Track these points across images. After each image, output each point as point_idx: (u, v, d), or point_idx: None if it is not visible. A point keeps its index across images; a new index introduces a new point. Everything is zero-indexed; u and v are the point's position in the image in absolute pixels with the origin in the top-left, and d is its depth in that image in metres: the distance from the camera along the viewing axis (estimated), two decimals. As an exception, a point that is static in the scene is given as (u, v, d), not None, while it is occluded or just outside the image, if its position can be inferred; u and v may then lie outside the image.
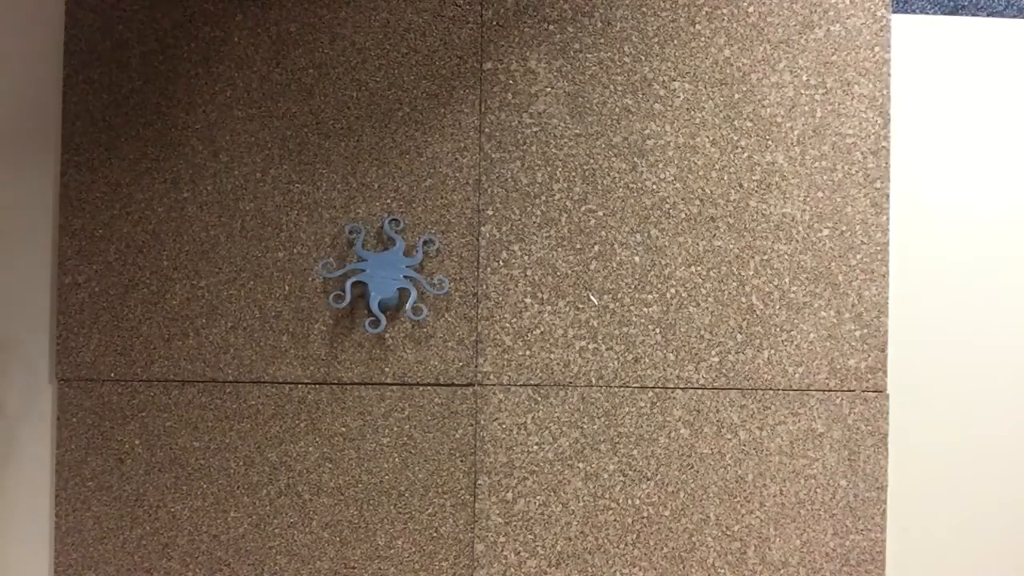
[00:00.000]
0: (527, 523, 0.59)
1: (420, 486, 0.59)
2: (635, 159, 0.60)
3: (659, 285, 0.60)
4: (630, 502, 0.59)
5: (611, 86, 0.60)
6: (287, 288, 0.59)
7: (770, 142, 0.60)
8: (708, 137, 0.60)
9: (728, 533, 0.59)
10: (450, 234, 0.59)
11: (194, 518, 0.59)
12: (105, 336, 0.59)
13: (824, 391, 0.59)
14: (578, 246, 0.60)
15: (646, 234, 0.60)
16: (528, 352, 0.59)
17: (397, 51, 0.60)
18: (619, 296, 0.59)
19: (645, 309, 0.59)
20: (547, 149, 0.60)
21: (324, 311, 0.59)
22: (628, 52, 0.60)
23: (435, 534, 0.59)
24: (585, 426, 0.59)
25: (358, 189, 0.59)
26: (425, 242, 0.59)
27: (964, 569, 0.60)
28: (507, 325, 0.59)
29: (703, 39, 0.60)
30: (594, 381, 0.59)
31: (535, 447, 0.59)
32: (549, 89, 0.60)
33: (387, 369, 0.59)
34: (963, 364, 0.60)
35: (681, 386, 0.59)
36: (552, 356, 0.59)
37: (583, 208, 0.60)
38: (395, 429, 0.59)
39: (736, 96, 0.60)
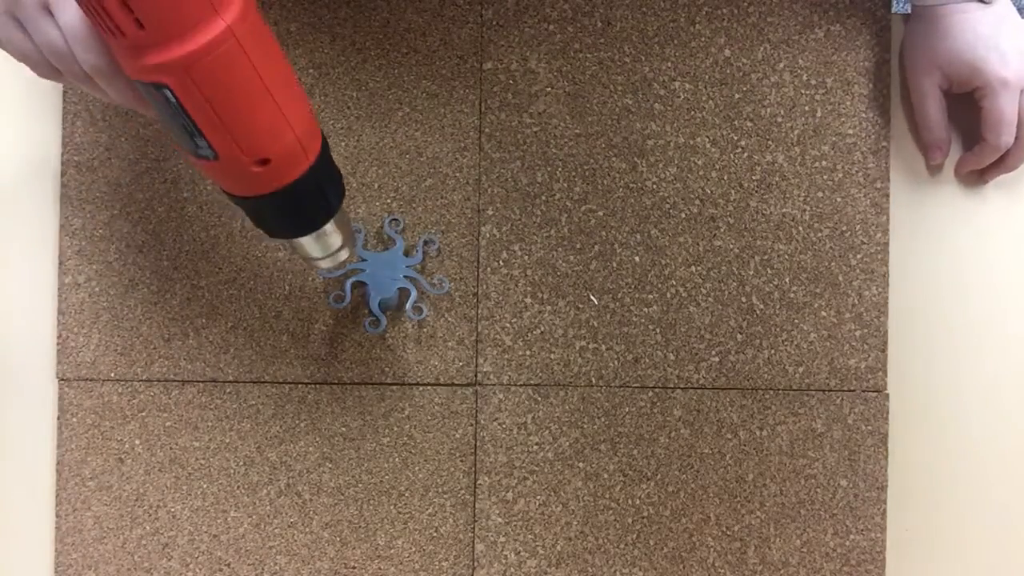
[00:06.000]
0: (527, 523, 0.59)
1: (420, 486, 0.59)
2: (635, 159, 0.60)
3: (659, 285, 0.60)
4: (630, 502, 0.59)
5: (611, 86, 0.60)
6: (287, 288, 0.59)
7: (770, 142, 0.60)
8: (708, 137, 0.60)
9: (728, 533, 0.59)
10: (450, 234, 0.59)
11: (194, 518, 0.59)
12: (105, 336, 0.59)
13: (824, 391, 0.59)
14: (578, 246, 0.60)
15: (646, 234, 0.60)
16: (528, 352, 0.59)
17: (397, 51, 0.60)
18: (619, 296, 0.59)
19: (645, 309, 0.59)
20: (547, 149, 0.60)
21: (324, 311, 0.59)
22: (628, 52, 0.60)
23: (435, 534, 0.59)
24: (585, 426, 0.59)
25: (358, 189, 0.59)
26: (425, 242, 0.59)
27: (964, 569, 0.60)
28: (507, 325, 0.59)
29: (703, 39, 0.60)
30: (594, 381, 0.59)
31: (535, 447, 0.59)
32: (549, 89, 0.60)
33: (387, 369, 0.59)
34: (963, 364, 0.60)
35: (681, 386, 0.59)
36: (552, 356, 0.59)
37: (583, 208, 0.60)
38: (395, 429, 0.59)
39: (736, 96, 0.60)
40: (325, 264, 0.45)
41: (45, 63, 0.40)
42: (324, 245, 0.44)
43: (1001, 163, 0.58)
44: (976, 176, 0.60)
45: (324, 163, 0.41)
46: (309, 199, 0.41)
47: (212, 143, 0.36)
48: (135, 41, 0.33)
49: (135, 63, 0.34)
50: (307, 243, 0.43)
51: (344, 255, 0.46)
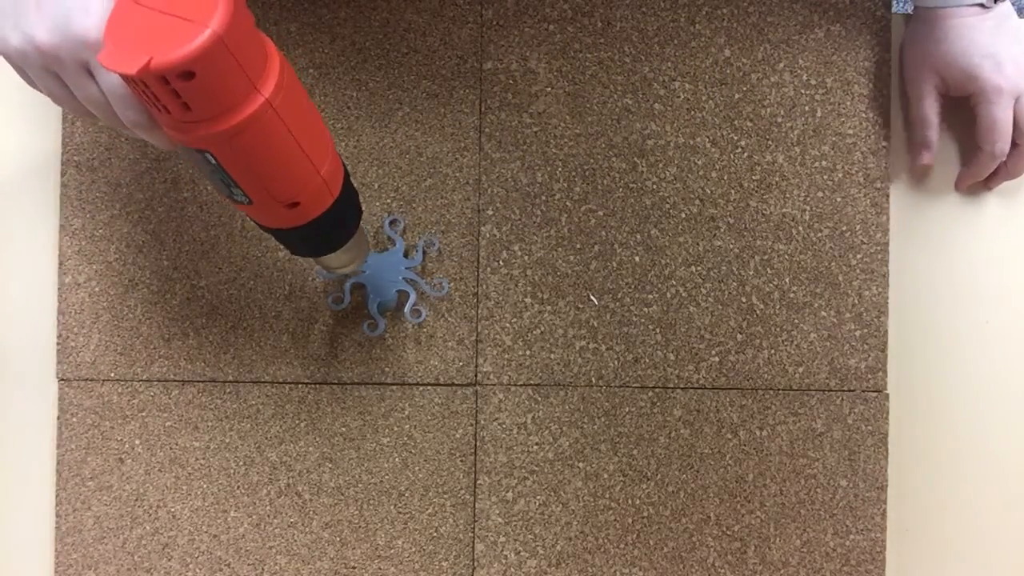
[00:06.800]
0: (527, 523, 0.59)
1: (420, 486, 0.59)
2: (635, 159, 0.60)
3: (659, 285, 0.60)
4: (630, 502, 0.59)
5: (611, 86, 0.60)
6: (287, 288, 0.59)
7: (770, 142, 0.60)
8: (708, 137, 0.60)
9: (728, 533, 0.59)
10: (450, 234, 0.59)
11: (194, 518, 0.59)
12: (105, 336, 0.59)
13: (824, 391, 0.59)
14: (578, 246, 0.60)
15: (646, 234, 0.60)
16: (528, 352, 0.59)
17: (397, 51, 0.60)
18: (619, 296, 0.59)
19: (645, 309, 0.59)
20: (547, 149, 0.60)
21: (324, 311, 0.59)
22: (628, 52, 0.60)
23: (435, 534, 0.59)
24: (585, 426, 0.59)
25: (358, 189, 0.59)
26: (425, 243, 0.59)
27: (964, 569, 0.60)
28: (507, 325, 0.59)
29: (703, 39, 0.60)
30: (594, 381, 0.59)
31: (535, 447, 0.59)
32: (549, 89, 0.60)
33: (387, 369, 0.59)
34: (963, 364, 0.60)
35: (681, 386, 0.59)
36: (552, 356, 0.59)
37: (583, 208, 0.60)
38: (395, 429, 0.59)
39: (736, 96, 0.60)
40: (344, 271, 0.51)
41: (83, 111, 0.41)
42: (341, 260, 0.48)
43: (1004, 170, 0.58)
44: (979, 184, 0.60)
45: (346, 194, 0.44)
46: (332, 226, 0.44)
47: (247, 192, 0.38)
48: (181, 118, 0.35)
49: (179, 135, 0.36)
50: (327, 259, 0.47)
51: (358, 263, 0.51)
